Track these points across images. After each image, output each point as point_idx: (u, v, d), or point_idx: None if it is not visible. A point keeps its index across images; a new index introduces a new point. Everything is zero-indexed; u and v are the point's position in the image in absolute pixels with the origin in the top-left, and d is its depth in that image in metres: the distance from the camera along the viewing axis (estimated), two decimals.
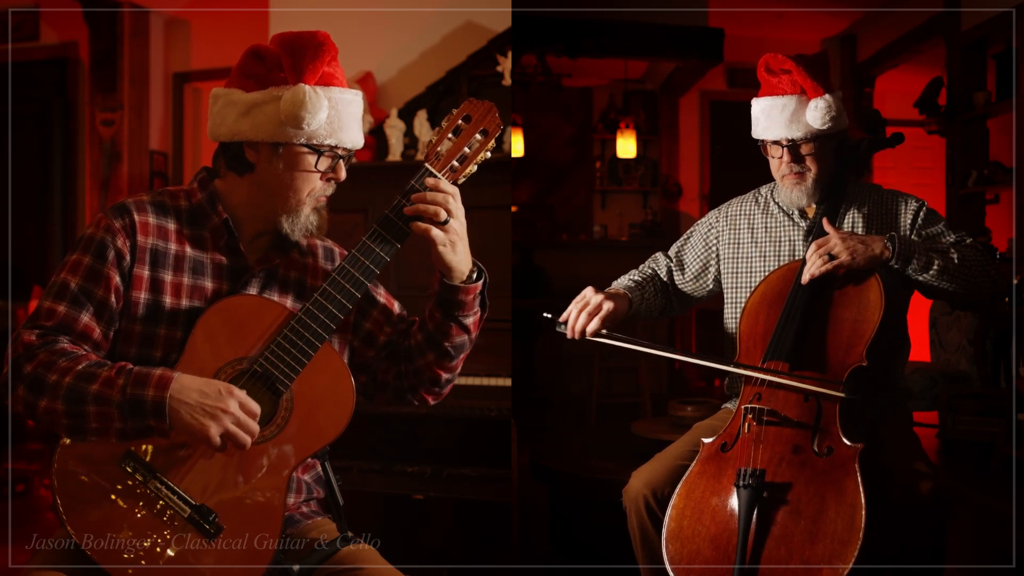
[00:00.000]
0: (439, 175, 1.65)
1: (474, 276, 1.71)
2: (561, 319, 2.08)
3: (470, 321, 1.74)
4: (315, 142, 1.63)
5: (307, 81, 1.61)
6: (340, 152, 1.68)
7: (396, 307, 1.84)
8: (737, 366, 1.97)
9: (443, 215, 1.62)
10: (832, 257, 1.93)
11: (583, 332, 2.04)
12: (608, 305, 2.05)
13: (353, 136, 1.68)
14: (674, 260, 2.32)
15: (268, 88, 1.63)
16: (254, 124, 1.63)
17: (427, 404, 1.83)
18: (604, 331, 2.05)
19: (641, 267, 2.35)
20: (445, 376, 1.79)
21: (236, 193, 1.70)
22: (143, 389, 1.49)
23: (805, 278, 1.95)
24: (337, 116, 1.64)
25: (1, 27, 5.71)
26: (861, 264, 1.93)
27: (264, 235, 1.72)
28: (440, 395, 1.83)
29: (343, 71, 1.71)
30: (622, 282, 2.28)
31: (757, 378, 1.92)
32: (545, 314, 2.11)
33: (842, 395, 1.83)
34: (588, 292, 2.08)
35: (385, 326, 1.81)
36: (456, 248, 1.65)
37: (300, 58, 1.61)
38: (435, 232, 1.62)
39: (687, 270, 2.31)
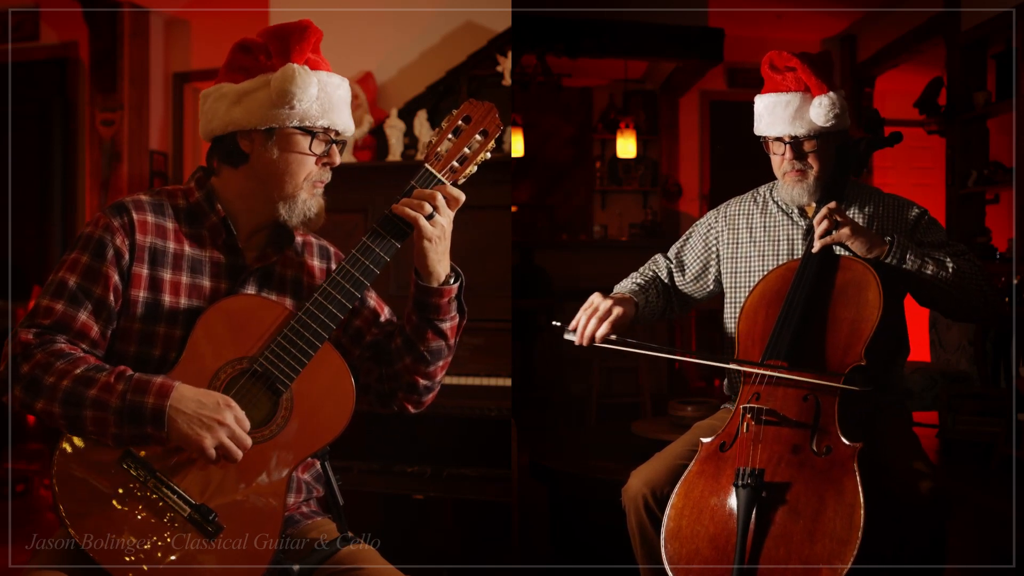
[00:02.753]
0: (439, 175, 1.66)
1: (451, 280, 1.71)
2: (570, 327, 2.08)
3: (446, 326, 1.72)
4: (307, 123, 1.65)
5: (295, 61, 1.63)
6: (333, 135, 1.69)
7: (386, 312, 1.84)
8: (739, 363, 1.97)
9: (428, 208, 1.63)
10: (839, 225, 1.95)
11: (592, 338, 2.04)
12: (617, 310, 2.06)
13: (344, 119, 1.70)
14: (674, 262, 2.32)
15: (257, 76, 1.65)
16: (246, 111, 1.64)
17: (407, 412, 1.81)
18: (613, 336, 2.06)
19: (642, 270, 2.34)
20: (423, 383, 1.76)
21: (232, 187, 1.70)
22: (143, 396, 1.49)
23: (816, 246, 1.98)
24: (327, 97, 1.66)
25: (1, 27, 5.71)
26: (861, 241, 1.96)
27: (261, 231, 1.73)
28: (420, 404, 1.81)
29: (327, 61, 1.72)
30: (625, 286, 2.27)
31: (758, 375, 1.92)
32: (554, 322, 2.12)
33: (850, 386, 1.84)
34: (596, 298, 2.08)
35: (373, 327, 1.81)
36: (437, 247, 1.65)
37: (287, 42, 1.64)
38: (423, 222, 1.62)
39: (687, 271, 2.31)
